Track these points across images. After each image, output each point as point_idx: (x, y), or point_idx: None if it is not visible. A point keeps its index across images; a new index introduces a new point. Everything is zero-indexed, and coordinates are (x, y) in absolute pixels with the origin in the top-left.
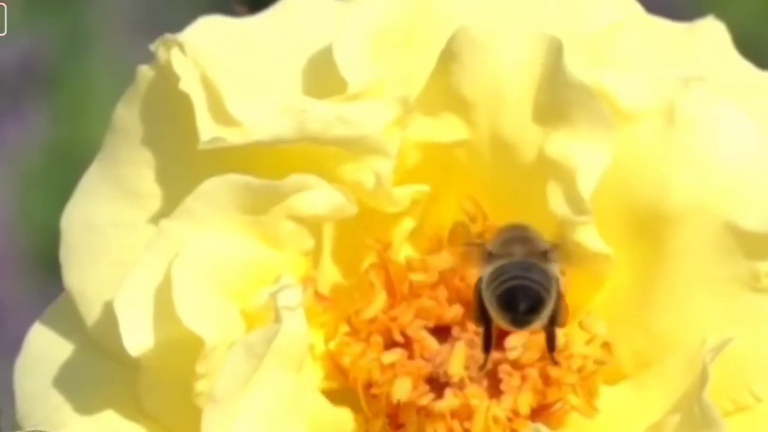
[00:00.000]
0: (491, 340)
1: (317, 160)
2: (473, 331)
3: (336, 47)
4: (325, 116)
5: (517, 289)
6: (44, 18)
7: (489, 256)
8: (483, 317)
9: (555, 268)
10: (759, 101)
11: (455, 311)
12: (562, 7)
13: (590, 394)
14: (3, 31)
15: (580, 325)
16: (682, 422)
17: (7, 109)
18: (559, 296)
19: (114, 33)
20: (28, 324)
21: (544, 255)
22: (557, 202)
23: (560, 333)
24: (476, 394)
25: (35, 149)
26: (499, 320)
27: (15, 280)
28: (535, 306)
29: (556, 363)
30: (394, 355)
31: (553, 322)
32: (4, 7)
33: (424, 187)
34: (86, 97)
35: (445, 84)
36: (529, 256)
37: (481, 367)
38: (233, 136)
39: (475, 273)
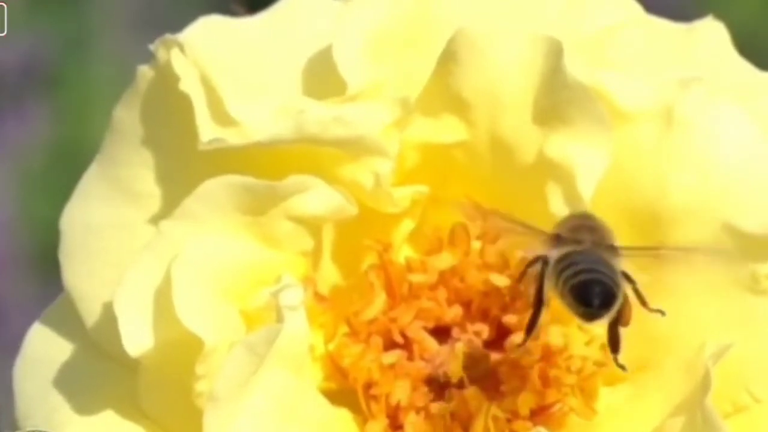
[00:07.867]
0: (537, 322)
1: (316, 160)
2: (473, 331)
3: (335, 48)
4: (323, 117)
5: (593, 284)
6: (45, 18)
7: (557, 239)
8: (537, 297)
9: (620, 264)
10: (759, 102)
11: (455, 312)
12: (561, 7)
13: (589, 396)
14: (3, 31)
15: (580, 326)
16: (684, 427)
17: (8, 108)
18: (624, 294)
19: (115, 33)
20: (28, 323)
21: (611, 248)
22: (556, 203)
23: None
24: (476, 395)
25: (36, 149)
26: (568, 310)
27: (15, 279)
28: (607, 301)
29: (621, 367)
30: (394, 356)
31: (616, 322)
32: (4, 6)
33: (424, 188)
34: (87, 97)
35: (445, 85)
36: (596, 247)
37: (520, 346)
38: (232, 137)
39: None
